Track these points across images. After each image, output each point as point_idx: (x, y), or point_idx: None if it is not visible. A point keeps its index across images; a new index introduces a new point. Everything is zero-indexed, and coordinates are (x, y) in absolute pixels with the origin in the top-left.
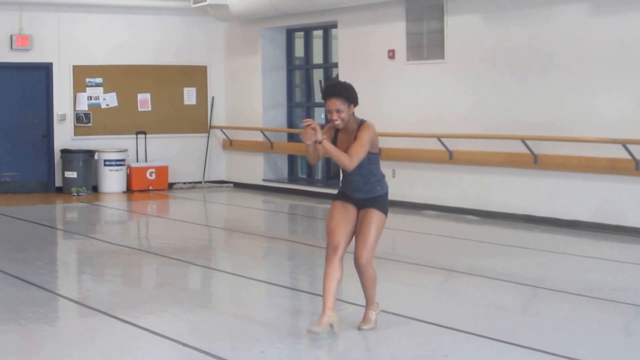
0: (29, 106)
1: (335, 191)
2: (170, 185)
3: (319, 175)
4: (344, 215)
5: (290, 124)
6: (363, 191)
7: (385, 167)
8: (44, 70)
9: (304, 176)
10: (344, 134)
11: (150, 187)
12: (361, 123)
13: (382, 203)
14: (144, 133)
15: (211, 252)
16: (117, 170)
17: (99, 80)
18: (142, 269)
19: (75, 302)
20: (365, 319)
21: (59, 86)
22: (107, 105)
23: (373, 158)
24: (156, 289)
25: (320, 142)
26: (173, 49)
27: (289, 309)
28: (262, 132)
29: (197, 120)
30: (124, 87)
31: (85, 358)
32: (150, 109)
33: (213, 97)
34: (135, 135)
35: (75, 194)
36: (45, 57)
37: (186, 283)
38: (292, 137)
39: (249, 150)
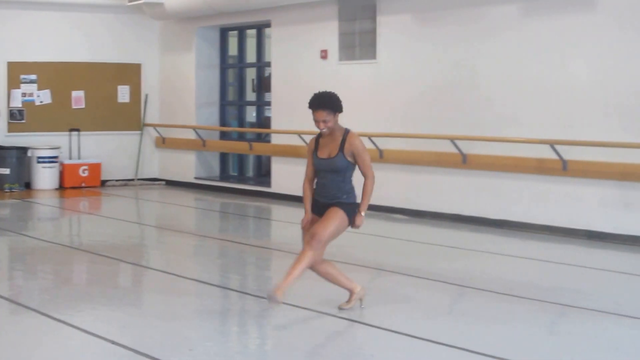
0: None
1: (265, 189)
2: (103, 183)
3: (250, 173)
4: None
5: (223, 122)
6: (328, 196)
7: None
8: None
9: (236, 174)
10: (327, 138)
11: (83, 184)
12: (346, 132)
13: (346, 206)
14: (78, 130)
15: (142, 250)
16: (50, 167)
17: (34, 77)
18: (73, 267)
19: (6, 299)
20: (280, 286)
21: None
22: (41, 102)
23: (350, 168)
24: (87, 286)
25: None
26: (108, 46)
27: (218, 308)
28: (194, 130)
29: (130, 118)
30: (59, 84)
31: (15, 355)
32: (84, 106)
33: (147, 95)
34: (68, 133)
35: (8, 191)
36: None
37: (117, 281)
38: (224, 135)
39: (181, 148)
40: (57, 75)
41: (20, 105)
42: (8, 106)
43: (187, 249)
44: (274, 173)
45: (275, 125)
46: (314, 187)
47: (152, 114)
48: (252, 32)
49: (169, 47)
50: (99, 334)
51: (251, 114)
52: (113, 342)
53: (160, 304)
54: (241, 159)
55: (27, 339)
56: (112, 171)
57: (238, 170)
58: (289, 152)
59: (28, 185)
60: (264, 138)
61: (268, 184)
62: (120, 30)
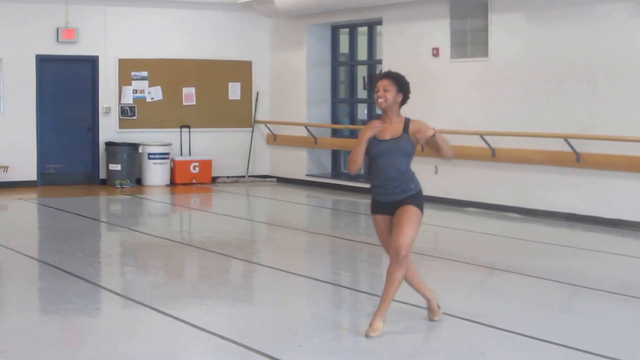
0: (75, 99)
1: None
2: (214, 179)
3: (362, 170)
4: (387, 230)
5: (334, 119)
6: (397, 192)
7: (428, 164)
8: (90, 63)
9: (347, 171)
10: (386, 124)
11: (194, 181)
12: (408, 119)
13: (417, 200)
14: (188, 127)
15: (252, 246)
16: (161, 163)
17: (144, 73)
18: (184, 262)
19: (117, 293)
20: (375, 326)
21: (104, 79)
22: (152, 98)
23: (413, 152)
24: (197, 282)
25: (433, 136)
26: (218, 43)
27: (328, 304)
28: (306, 127)
29: (241, 115)
30: (169, 81)
31: (126, 350)
32: (194, 103)
33: (257, 92)
34: (179, 129)
35: (119, 187)
36: (91, 50)
37: (227, 276)
38: (335, 133)
39: (292, 145)
40: (168, 72)
41: (131, 102)
42: (119, 103)
43: (298, 245)
44: None
45: None
46: (374, 187)
47: (263, 111)
48: (363, 30)
49: (280, 44)
50: (208, 329)
51: (362, 112)
52: (223, 338)
53: (270, 300)
54: (345, 156)
55: (138, 333)
56: (222, 168)
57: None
58: None
59: (139, 182)
60: None
61: None
62: (231, 27)
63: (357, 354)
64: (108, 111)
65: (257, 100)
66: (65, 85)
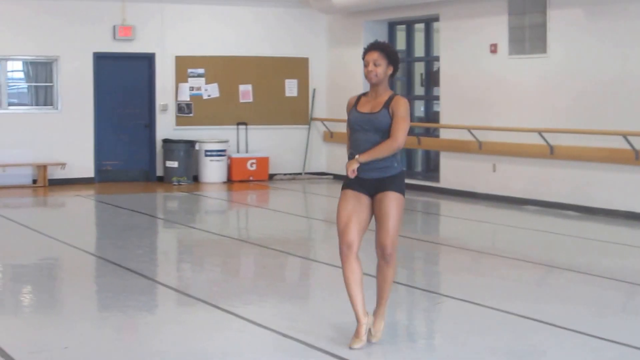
0: (132, 96)
1: (434, 184)
2: (271, 177)
3: (418, 167)
4: (357, 207)
5: None
6: (379, 169)
7: (485, 161)
8: (147, 61)
9: (404, 169)
10: (371, 96)
11: (251, 178)
12: (394, 94)
13: (399, 183)
14: (245, 124)
15: (310, 244)
16: (218, 160)
17: (201, 71)
18: (241, 259)
19: (176, 290)
20: (376, 329)
21: (161, 76)
22: (209, 95)
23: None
24: (255, 279)
25: (360, 162)
26: (275, 40)
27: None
28: None
29: (298, 112)
30: (226, 78)
31: (187, 346)
32: (251, 100)
33: (314, 89)
34: (236, 126)
35: (176, 184)
36: (148, 48)
37: (285, 274)
38: None
39: None
40: (225, 69)
41: (188, 99)
42: (176, 100)
43: None
44: (443, 168)
45: (444, 119)
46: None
47: (319, 108)
48: (420, 26)
49: (337, 41)
50: (269, 326)
51: (419, 109)
52: (284, 335)
53: (329, 297)
54: (409, 153)
55: (197, 330)
56: (279, 165)
57: (406, 165)
58: (459, 147)
59: (196, 179)
60: (432, 133)
61: (436, 179)
62: (288, 24)
63: (416, 351)
64: (165, 108)
65: (313, 97)
66: (122, 82)
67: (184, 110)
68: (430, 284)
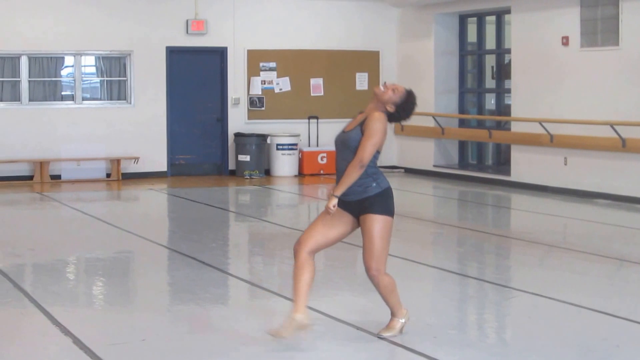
0: (204, 90)
1: (505, 177)
2: None
3: (489, 161)
4: (333, 221)
5: (462, 109)
6: (356, 192)
7: (557, 155)
8: (219, 55)
9: (474, 162)
10: (360, 116)
11: (322, 172)
12: (375, 113)
13: (381, 203)
14: (316, 118)
15: None
16: (290, 154)
17: (273, 64)
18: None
19: (247, 282)
20: (388, 326)
21: (233, 70)
22: (281, 89)
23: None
24: (327, 272)
25: (336, 196)
26: (346, 34)
27: (459, 295)
28: (433, 117)
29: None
30: (297, 71)
31: (261, 339)
32: (322, 93)
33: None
34: (307, 120)
35: (248, 177)
36: (220, 42)
37: (357, 267)
38: (463, 123)
39: (419, 135)
40: (296, 63)
41: (259, 93)
42: (248, 94)
43: (425, 236)
44: (514, 161)
45: (515, 112)
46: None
47: None
48: (491, 19)
49: (407, 34)
50: (342, 319)
51: (490, 102)
52: (357, 328)
53: (401, 290)
54: (480, 146)
55: (270, 321)
56: None
57: (477, 158)
58: (530, 140)
59: (267, 172)
60: (503, 126)
61: (507, 173)
62: (359, 17)
63: (491, 345)
64: (237, 102)
65: None
66: (194, 76)
67: (255, 104)
68: (502, 278)
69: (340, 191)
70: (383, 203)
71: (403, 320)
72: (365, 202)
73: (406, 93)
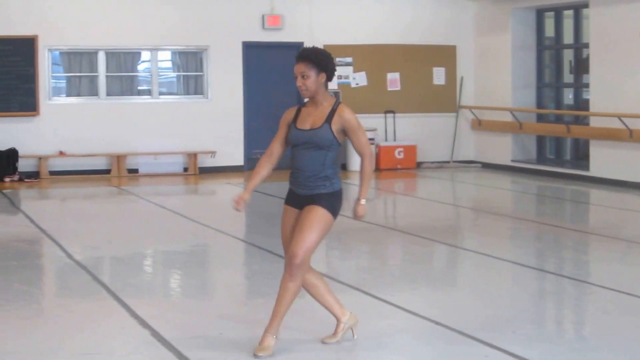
0: (280, 85)
1: (583, 172)
2: (418, 165)
3: (567, 156)
4: (294, 221)
5: (540, 104)
6: (308, 186)
7: (636, 150)
8: (295, 50)
9: (552, 157)
10: (311, 108)
11: (399, 166)
12: (337, 103)
13: (328, 200)
14: (393, 112)
15: (458, 231)
16: None
17: (349, 59)
18: (390, 247)
19: (325, 276)
20: (265, 345)
21: None
22: (357, 84)
23: (334, 147)
24: (404, 266)
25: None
26: (422, 28)
27: (536, 290)
28: (511, 112)
29: (446, 100)
30: (374, 66)
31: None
32: (399, 88)
33: (462, 77)
34: (384, 114)
35: None
36: (296, 37)
37: (434, 261)
38: (541, 118)
39: (497, 130)
40: (373, 58)
41: (336, 88)
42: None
43: (503, 231)
44: (593, 156)
45: (594, 107)
46: (290, 174)
47: (467, 96)
48: (569, 13)
49: (484, 28)
50: (420, 313)
51: (568, 96)
52: (436, 323)
53: (478, 285)
54: (558, 141)
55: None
56: (427, 153)
57: (555, 153)
58: (609, 135)
59: (344, 167)
60: (582, 121)
61: (586, 168)
62: (436, 12)
63: (570, 341)
64: None
65: (461, 85)
66: (270, 71)
67: None
68: (580, 273)
69: (366, 194)
70: (331, 201)
71: (275, 339)
72: (315, 196)
73: (307, 60)
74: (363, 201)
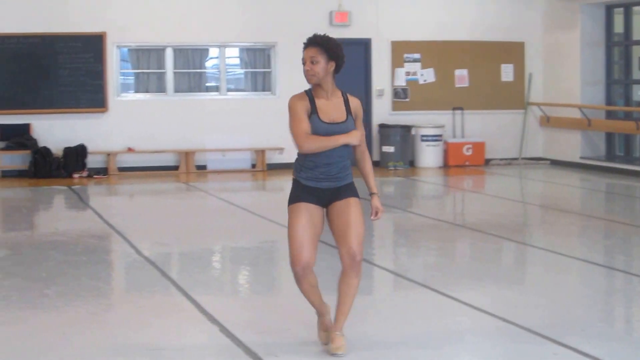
0: (348, 81)
1: None
2: (487, 161)
3: (637, 153)
4: (310, 221)
5: (609, 101)
6: (338, 178)
7: None
8: (363, 46)
9: (622, 154)
10: (324, 99)
11: (467, 163)
12: (345, 94)
13: (355, 190)
14: (461, 109)
15: (526, 229)
16: (435, 145)
17: (417, 56)
18: (458, 244)
19: (392, 272)
20: (336, 345)
21: (377, 62)
22: (425, 80)
23: None
24: (472, 263)
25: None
26: (490, 25)
27: (606, 288)
28: (579, 109)
29: (514, 97)
30: (442, 62)
31: (405, 329)
32: (467, 84)
33: (530, 74)
34: (452, 111)
35: (392, 168)
36: (364, 33)
37: (502, 259)
38: (610, 115)
39: (565, 127)
40: (441, 54)
41: (404, 84)
42: (392, 85)
43: (572, 228)
44: None
45: None
46: (310, 170)
47: (535, 93)
48: (638, 9)
49: (553, 24)
50: (488, 311)
51: (637, 93)
52: (504, 320)
53: (546, 282)
54: (628, 138)
55: (416, 313)
56: (495, 150)
57: (624, 150)
58: None
59: (412, 163)
60: None
61: None
62: (503, 8)
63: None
64: (381, 93)
65: (529, 81)
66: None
67: (400, 95)
68: None
69: (375, 188)
70: (357, 190)
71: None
72: (342, 188)
73: (319, 46)
74: (377, 193)
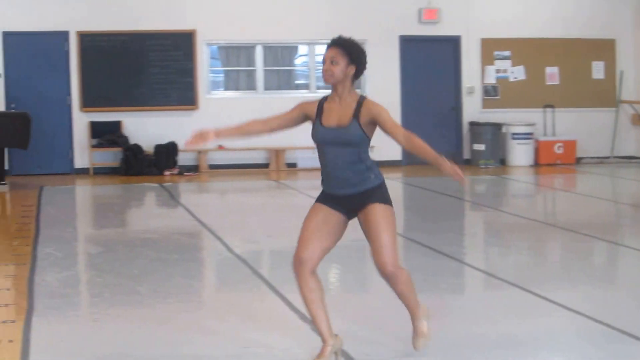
0: (437, 79)
1: None
2: (578, 160)
3: None
4: (324, 223)
5: None
6: (352, 184)
7: None
8: (452, 44)
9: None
10: (334, 104)
11: (558, 162)
12: (362, 97)
13: (381, 194)
14: (552, 107)
15: (618, 228)
16: (525, 143)
17: (507, 53)
18: (550, 243)
19: (482, 271)
20: (417, 333)
21: (467, 59)
22: (515, 78)
23: (365, 141)
24: (564, 263)
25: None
26: (581, 22)
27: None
28: None
29: (605, 95)
30: (532, 60)
31: (495, 329)
32: (558, 82)
33: (622, 72)
34: (542, 109)
35: (483, 167)
36: (454, 30)
37: (594, 258)
38: None
39: None
40: (531, 52)
41: (494, 82)
42: (482, 82)
43: None
44: None
45: None
46: (324, 176)
47: (627, 91)
48: None
49: None
50: (581, 311)
51: None
52: (597, 321)
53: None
54: None
55: (507, 313)
56: (586, 148)
57: None
58: None
59: (503, 162)
60: None
61: None
62: (594, 5)
63: None
64: (471, 91)
65: (621, 79)
66: (427, 65)
67: (490, 93)
68: None
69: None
70: (384, 194)
71: (427, 321)
72: (365, 194)
73: (341, 47)
74: (446, 160)
